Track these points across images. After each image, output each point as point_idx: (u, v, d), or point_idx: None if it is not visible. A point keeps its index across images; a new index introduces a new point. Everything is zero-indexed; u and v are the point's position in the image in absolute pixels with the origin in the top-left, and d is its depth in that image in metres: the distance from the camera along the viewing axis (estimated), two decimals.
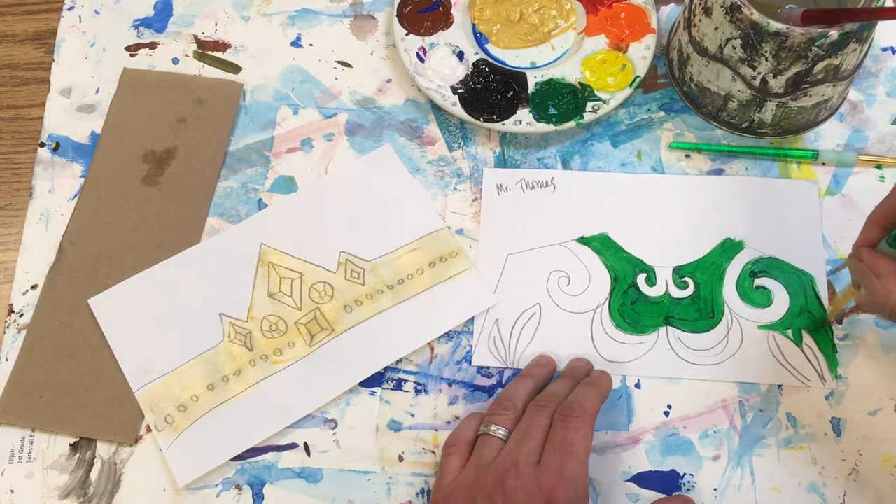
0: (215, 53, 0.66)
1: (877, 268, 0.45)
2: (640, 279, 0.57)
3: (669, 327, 0.56)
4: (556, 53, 0.64)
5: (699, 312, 0.56)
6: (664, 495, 0.52)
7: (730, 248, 0.58)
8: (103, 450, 0.54)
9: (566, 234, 0.59)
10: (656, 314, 0.56)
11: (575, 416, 0.48)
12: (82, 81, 0.65)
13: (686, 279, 0.57)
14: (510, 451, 0.48)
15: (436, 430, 0.54)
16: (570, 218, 0.59)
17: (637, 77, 0.61)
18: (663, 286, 0.57)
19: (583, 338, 0.56)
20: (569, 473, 0.46)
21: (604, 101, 0.60)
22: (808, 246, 0.57)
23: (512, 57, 0.64)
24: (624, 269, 0.57)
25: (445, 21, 0.64)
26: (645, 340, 0.56)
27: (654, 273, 0.57)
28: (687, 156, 0.61)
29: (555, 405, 0.49)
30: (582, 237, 0.59)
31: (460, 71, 0.62)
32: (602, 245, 0.58)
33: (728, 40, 0.54)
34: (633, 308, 0.56)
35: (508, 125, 0.60)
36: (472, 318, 0.57)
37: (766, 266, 0.57)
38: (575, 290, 0.57)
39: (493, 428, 0.50)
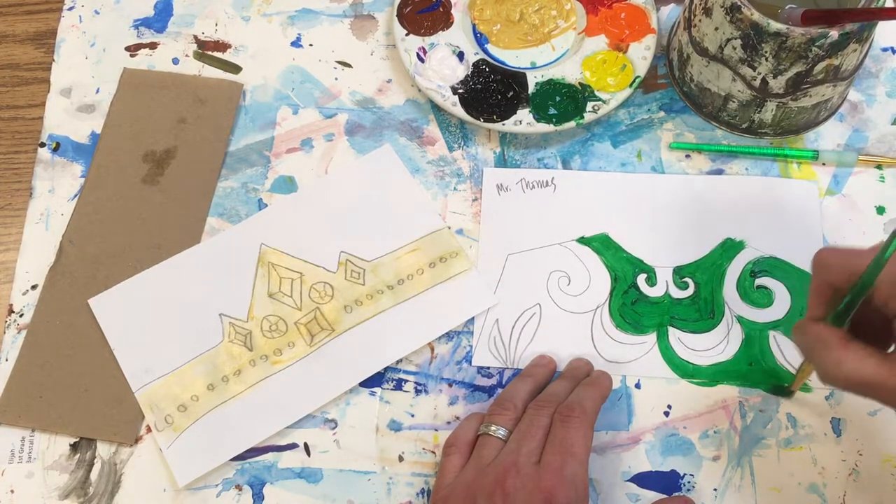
0: (215, 53, 0.65)
1: (822, 337, 0.42)
2: (641, 279, 0.57)
3: (670, 327, 0.56)
4: (556, 53, 0.64)
5: (699, 313, 0.56)
6: (664, 495, 0.52)
7: (730, 248, 0.58)
8: (103, 450, 0.54)
9: (566, 234, 0.59)
10: (656, 314, 0.56)
11: (575, 416, 0.48)
12: (82, 81, 0.65)
13: (686, 279, 0.57)
14: (510, 451, 0.48)
15: (436, 430, 0.54)
16: (570, 218, 0.59)
17: (637, 77, 0.61)
18: (663, 286, 0.57)
19: (583, 338, 0.56)
20: (569, 473, 0.46)
21: (604, 102, 0.60)
22: (809, 246, 0.57)
23: (512, 57, 0.64)
24: (624, 270, 0.57)
25: (445, 21, 0.64)
26: (645, 340, 0.56)
27: (655, 273, 0.57)
28: (687, 156, 0.61)
29: (555, 405, 0.49)
30: (582, 237, 0.59)
31: (460, 71, 0.62)
32: (602, 245, 0.58)
33: (728, 40, 0.54)
34: (633, 308, 0.56)
35: (508, 125, 0.60)
36: (472, 318, 0.57)
37: (767, 266, 0.57)
38: (575, 291, 0.57)
39: (494, 428, 0.50)
